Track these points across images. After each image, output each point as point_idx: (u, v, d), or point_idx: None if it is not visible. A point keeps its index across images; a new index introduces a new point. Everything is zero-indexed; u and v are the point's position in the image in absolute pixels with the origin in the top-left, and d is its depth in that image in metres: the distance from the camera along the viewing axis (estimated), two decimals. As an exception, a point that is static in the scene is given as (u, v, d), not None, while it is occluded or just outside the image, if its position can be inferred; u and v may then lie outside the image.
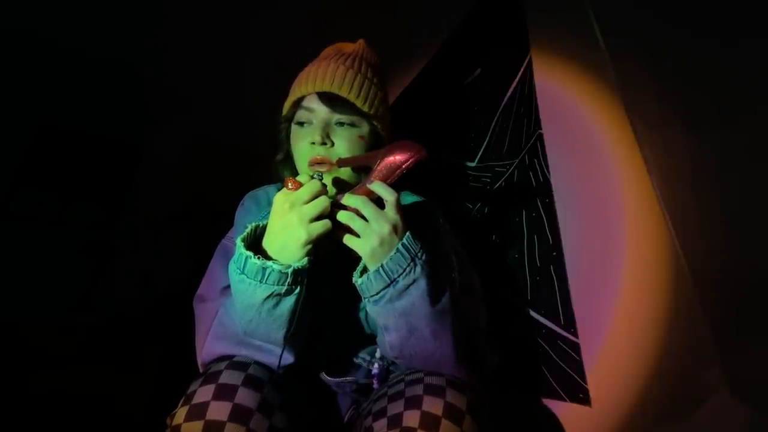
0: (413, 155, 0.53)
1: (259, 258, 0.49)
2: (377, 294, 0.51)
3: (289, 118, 0.70)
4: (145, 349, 1.97)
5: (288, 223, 0.50)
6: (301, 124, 0.67)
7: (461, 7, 1.22)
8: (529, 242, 0.81)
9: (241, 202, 0.75)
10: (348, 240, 0.52)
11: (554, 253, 0.74)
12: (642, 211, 0.61)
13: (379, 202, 0.53)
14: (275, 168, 0.76)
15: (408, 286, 0.51)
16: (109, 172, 2.42)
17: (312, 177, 0.55)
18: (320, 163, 0.63)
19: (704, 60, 0.57)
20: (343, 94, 0.65)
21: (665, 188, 0.58)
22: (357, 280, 0.53)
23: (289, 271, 0.49)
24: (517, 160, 0.87)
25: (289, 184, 0.52)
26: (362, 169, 0.65)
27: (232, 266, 0.51)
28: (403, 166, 0.54)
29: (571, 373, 0.67)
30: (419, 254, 0.51)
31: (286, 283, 0.49)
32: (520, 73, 0.92)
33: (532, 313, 0.76)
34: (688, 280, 0.54)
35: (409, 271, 0.50)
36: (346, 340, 0.64)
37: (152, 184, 2.51)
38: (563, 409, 0.68)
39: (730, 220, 0.51)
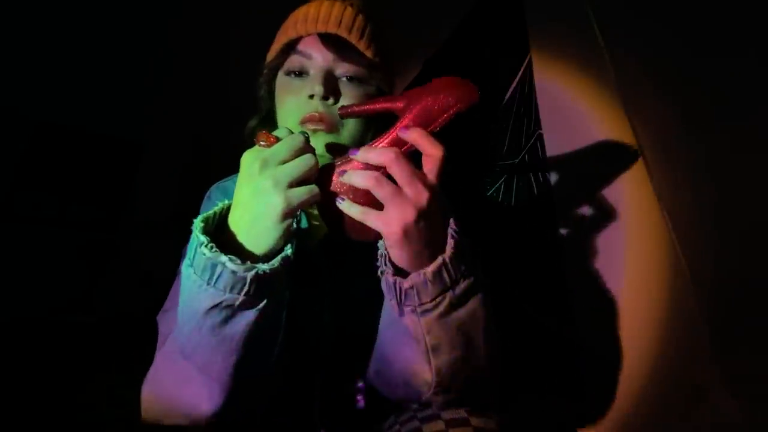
0: (466, 97, 0.40)
1: (212, 248, 0.35)
2: (432, 301, 0.37)
3: (276, 68, 0.55)
4: (145, 349, 1.98)
5: (259, 188, 0.36)
6: (293, 73, 0.52)
7: (461, 8, 1.22)
8: (529, 242, 0.81)
9: (207, 194, 0.62)
10: (362, 214, 0.37)
11: (554, 253, 0.74)
12: (642, 211, 0.61)
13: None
14: (247, 136, 0.59)
15: (469, 290, 0.38)
16: (109, 172, 2.42)
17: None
18: (319, 120, 0.48)
19: (704, 60, 0.57)
20: (353, 39, 0.50)
21: (665, 188, 0.58)
22: (403, 282, 0.37)
23: (249, 275, 0.34)
24: (517, 160, 0.87)
25: (262, 139, 0.39)
26: (373, 125, 0.52)
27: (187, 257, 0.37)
28: (453, 110, 0.40)
29: (571, 373, 0.66)
30: (475, 246, 0.39)
31: (242, 293, 0.34)
32: (520, 73, 0.92)
33: (532, 313, 0.76)
34: (688, 280, 0.54)
35: (472, 270, 0.38)
36: (350, 371, 0.48)
37: (152, 184, 2.51)
38: (563, 410, 0.68)
39: (730, 221, 0.51)
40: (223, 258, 0.34)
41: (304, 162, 0.37)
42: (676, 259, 0.55)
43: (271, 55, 0.55)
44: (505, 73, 0.96)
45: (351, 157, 0.39)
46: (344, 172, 0.38)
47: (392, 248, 0.37)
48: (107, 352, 1.91)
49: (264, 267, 0.35)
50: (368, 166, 0.38)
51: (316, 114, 0.49)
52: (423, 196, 0.36)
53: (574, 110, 0.77)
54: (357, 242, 0.40)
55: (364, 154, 0.39)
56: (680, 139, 0.58)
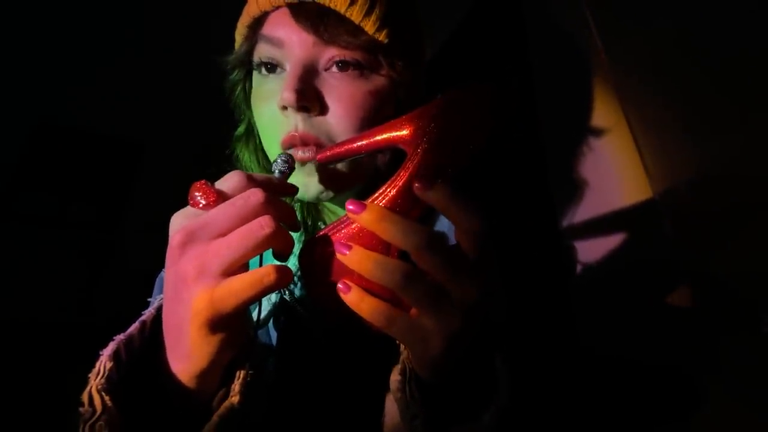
0: (499, 107, 0.27)
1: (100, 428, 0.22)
2: None
3: (246, 61, 0.40)
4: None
5: (179, 278, 0.24)
6: (264, 67, 0.37)
7: (460, 9, 1.22)
8: (527, 244, 0.81)
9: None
10: (384, 321, 0.24)
11: (553, 255, 0.74)
12: (641, 212, 0.62)
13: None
14: (233, 152, 0.47)
15: (500, 416, 0.27)
16: (109, 172, 2.42)
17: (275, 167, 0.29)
18: (302, 144, 0.34)
19: (705, 61, 0.57)
20: (339, 7, 0.33)
21: (664, 190, 0.59)
22: None
23: None
24: (516, 161, 0.87)
25: (196, 195, 0.27)
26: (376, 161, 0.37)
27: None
28: (484, 132, 0.27)
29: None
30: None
31: None
32: (519, 74, 0.92)
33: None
34: (688, 281, 0.54)
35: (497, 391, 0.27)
36: None
37: (152, 184, 2.51)
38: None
39: (730, 222, 0.52)
40: None
41: (251, 234, 0.23)
42: (676, 260, 0.56)
43: (237, 41, 0.41)
44: (505, 73, 0.96)
45: (350, 214, 0.24)
46: (346, 246, 0.24)
47: (424, 370, 0.26)
48: (107, 352, 1.90)
49: None
50: (375, 239, 0.24)
51: (296, 134, 0.33)
52: (469, 296, 0.24)
53: (574, 110, 0.77)
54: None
55: (375, 221, 0.23)
56: (679, 140, 0.58)
